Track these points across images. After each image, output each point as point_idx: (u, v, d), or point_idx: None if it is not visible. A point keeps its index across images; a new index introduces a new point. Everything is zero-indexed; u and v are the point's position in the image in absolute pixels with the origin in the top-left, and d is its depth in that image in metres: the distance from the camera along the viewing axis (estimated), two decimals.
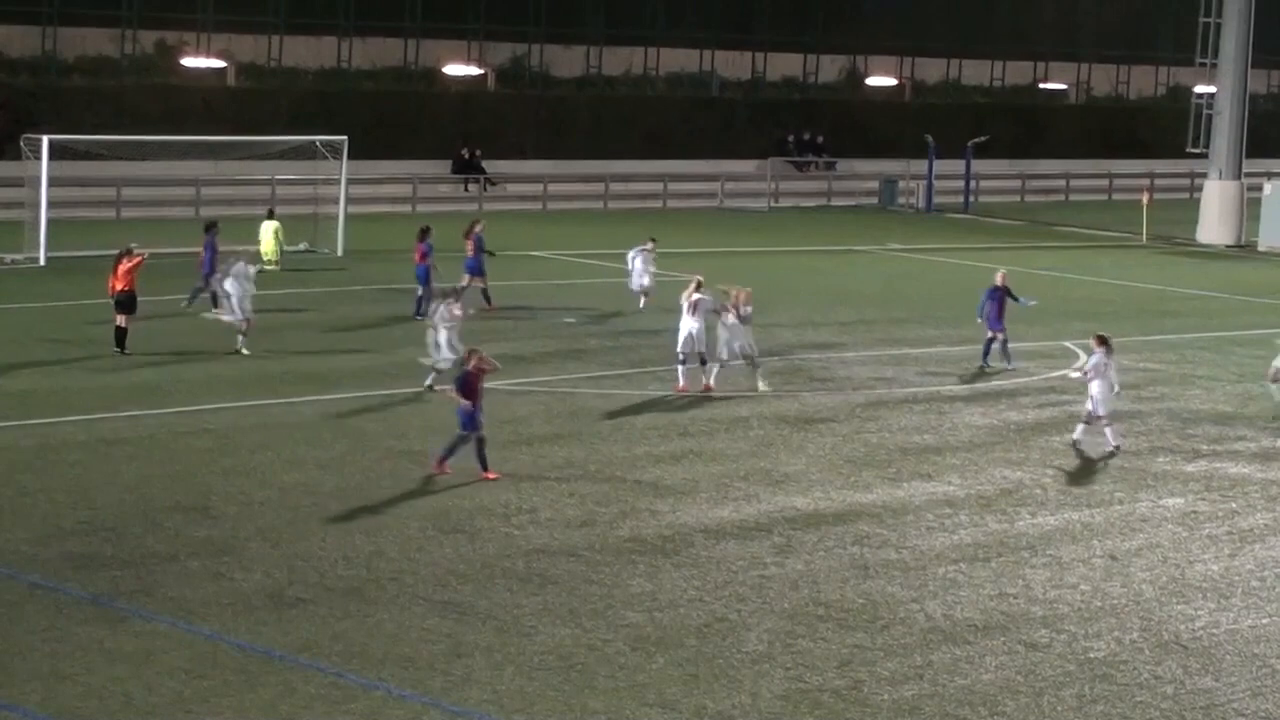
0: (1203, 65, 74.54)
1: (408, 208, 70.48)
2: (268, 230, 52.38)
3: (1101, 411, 33.53)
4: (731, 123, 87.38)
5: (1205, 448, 34.30)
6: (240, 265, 39.99)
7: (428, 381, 35.47)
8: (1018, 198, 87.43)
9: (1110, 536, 27.90)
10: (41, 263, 51.96)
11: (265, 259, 51.08)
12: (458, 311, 35.69)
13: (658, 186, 78.44)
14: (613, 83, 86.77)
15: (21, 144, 54.83)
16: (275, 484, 28.67)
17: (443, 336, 35.17)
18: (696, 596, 24.03)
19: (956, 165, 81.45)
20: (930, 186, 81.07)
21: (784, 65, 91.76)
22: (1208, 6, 73.89)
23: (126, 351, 38.53)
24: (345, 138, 58.79)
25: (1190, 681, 21.72)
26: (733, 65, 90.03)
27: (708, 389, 37.02)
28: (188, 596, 23.05)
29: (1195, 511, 29.66)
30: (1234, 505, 30.16)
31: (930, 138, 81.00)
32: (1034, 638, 22.98)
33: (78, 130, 61.14)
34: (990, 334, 40.72)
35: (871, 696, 20.75)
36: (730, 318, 37.17)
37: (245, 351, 38.93)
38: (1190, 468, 32.67)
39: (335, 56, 79.75)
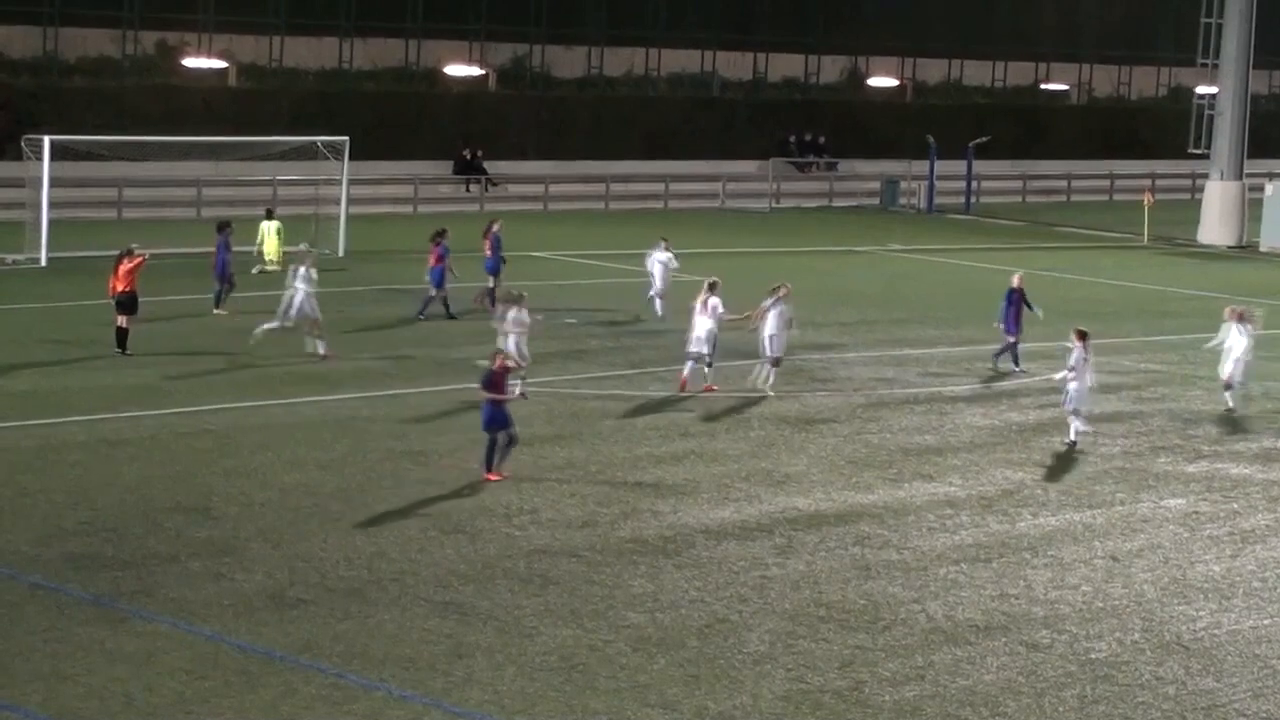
0: (1204, 66, 74.56)
1: (409, 208, 70.51)
2: (269, 230, 52.34)
3: (1071, 407, 33.59)
4: (732, 123, 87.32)
5: (1206, 448, 34.30)
6: (304, 270, 39.54)
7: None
8: (1019, 198, 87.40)
9: (1111, 537, 27.89)
10: (42, 263, 51.91)
11: (268, 259, 51.13)
12: (526, 318, 35.49)
13: (659, 187, 78.37)
14: (614, 83, 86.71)
15: (23, 144, 54.76)
16: (276, 485, 28.66)
17: (511, 342, 34.88)
18: (698, 597, 24.02)
19: (958, 166, 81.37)
20: (931, 187, 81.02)
21: (785, 66, 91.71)
22: (1209, 7, 73.89)
23: (127, 352, 38.51)
24: (346, 138, 58.73)
25: (1192, 682, 21.71)
26: (734, 66, 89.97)
27: (709, 389, 37.04)
28: (189, 597, 23.03)
29: (1197, 512, 29.65)
30: (1235, 506, 30.15)
31: (931, 138, 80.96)
32: (1035, 638, 22.97)
33: (79, 131, 61.05)
34: (1011, 338, 40.57)
35: (873, 697, 20.74)
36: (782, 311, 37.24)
37: (321, 352, 38.75)
38: (1191, 468, 32.67)
39: (336, 57, 79.72)
